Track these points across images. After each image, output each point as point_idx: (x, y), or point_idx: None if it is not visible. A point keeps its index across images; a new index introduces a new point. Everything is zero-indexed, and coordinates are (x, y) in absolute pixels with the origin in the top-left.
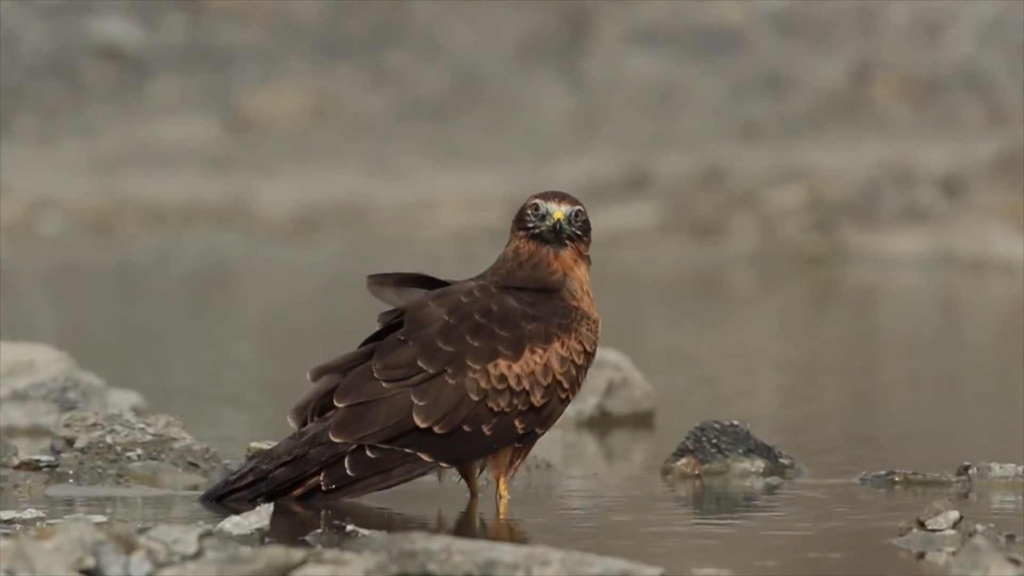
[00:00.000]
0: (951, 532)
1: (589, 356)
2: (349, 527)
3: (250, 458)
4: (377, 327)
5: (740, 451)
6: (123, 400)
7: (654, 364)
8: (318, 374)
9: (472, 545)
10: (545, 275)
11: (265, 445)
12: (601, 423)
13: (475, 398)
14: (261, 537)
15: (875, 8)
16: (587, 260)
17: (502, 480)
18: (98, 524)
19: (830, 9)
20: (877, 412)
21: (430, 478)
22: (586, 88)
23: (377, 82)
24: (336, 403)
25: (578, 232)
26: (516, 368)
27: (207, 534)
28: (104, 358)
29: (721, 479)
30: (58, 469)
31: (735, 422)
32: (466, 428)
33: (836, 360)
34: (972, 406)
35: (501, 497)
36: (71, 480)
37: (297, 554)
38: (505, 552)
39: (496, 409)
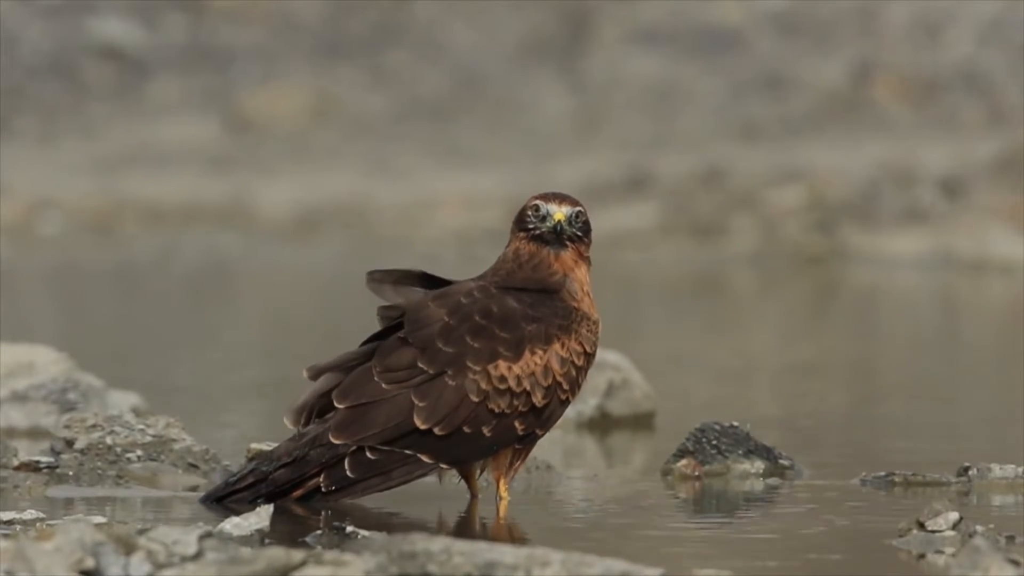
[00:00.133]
0: (951, 533)
1: (589, 357)
2: (349, 528)
3: (250, 459)
4: (377, 323)
5: (740, 452)
6: (123, 401)
7: (654, 365)
8: (316, 373)
9: (472, 546)
10: (545, 276)
11: (265, 446)
12: (601, 424)
13: (475, 399)
14: (261, 538)
15: (875, 8)
16: (587, 261)
17: (502, 481)
18: (98, 525)
19: (830, 9)
20: (877, 413)
21: (430, 479)
22: (586, 88)
23: (377, 82)
24: (336, 404)
25: (578, 233)
26: (516, 369)
27: (207, 535)
28: (104, 359)
29: (721, 480)
30: (58, 470)
31: (735, 423)
32: (466, 429)
33: (836, 361)
34: (972, 406)
35: (501, 498)
36: (71, 481)
37: (297, 555)
38: (505, 553)
39: (496, 410)
